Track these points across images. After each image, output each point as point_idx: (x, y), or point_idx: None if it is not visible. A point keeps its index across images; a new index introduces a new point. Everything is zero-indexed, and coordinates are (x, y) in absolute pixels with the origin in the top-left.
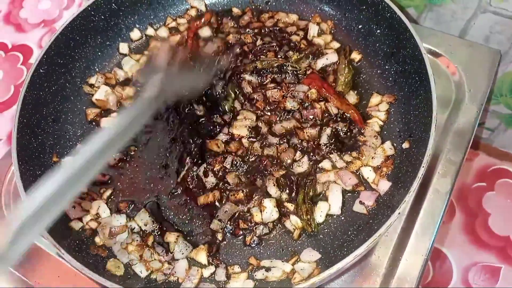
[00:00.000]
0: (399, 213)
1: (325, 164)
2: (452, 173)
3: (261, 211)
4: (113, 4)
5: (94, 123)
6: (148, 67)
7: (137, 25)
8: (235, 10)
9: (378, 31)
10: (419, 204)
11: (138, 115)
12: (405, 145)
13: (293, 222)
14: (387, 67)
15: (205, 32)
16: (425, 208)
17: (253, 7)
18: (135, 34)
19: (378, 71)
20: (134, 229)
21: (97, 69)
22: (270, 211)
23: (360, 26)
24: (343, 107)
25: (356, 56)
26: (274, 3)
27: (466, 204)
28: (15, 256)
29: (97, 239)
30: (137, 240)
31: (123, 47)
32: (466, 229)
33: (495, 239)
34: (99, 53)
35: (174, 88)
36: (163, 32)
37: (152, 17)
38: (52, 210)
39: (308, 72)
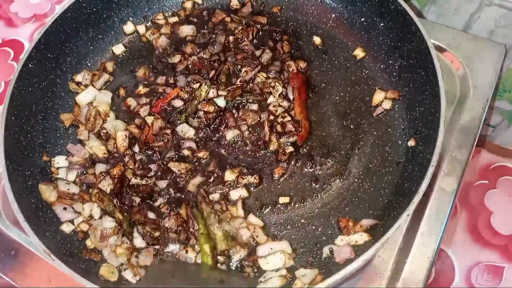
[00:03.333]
0: (408, 215)
1: None
2: (458, 172)
3: None
4: None
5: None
6: None
7: (131, 18)
8: (234, 2)
9: (382, 24)
10: (424, 204)
11: None
12: (411, 143)
13: None
14: (391, 61)
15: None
16: (430, 208)
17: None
18: (129, 27)
19: (382, 66)
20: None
21: (89, 64)
22: None
23: (362, 19)
24: (298, 115)
25: (359, 53)
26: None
27: (468, 202)
28: None
29: (88, 242)
30: (126, 243)
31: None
32: (468, 228)
33: (498, 238)
34: (91, 47)
35: None
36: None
37: (146, 9)
38: None
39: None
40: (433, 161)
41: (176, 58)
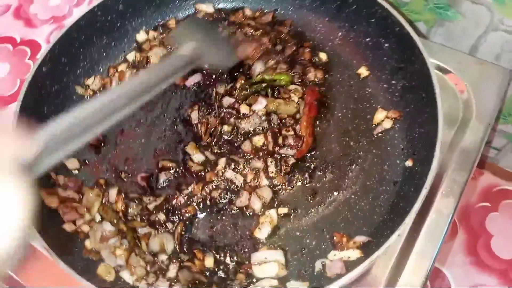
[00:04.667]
0: (399, 235)
1: None
2: (456, 194)
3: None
4: (120, 5)
5: None
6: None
7: (144, 27)
8: (248, 12)
9: (386, 45)
10: (420, 225)
11: (169, 71)
12: (409, 163)
13: None
14: (393, 82)
15: None
16: (426, 229)
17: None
18: (141, 36)
19: (385, 86)
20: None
21: (101, 70)
22: None
23: (368, 39)
24: (303, 131)
25: (363, 71)
26: (282, 11)
27: (468, 223)
28: (41, 168)
29: (87, 243)
30: (125, 245)
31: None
32: (467, 250)
33: (497, 262)
34: (104, 54)
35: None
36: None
37: (159, 19)
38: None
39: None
40: (426, 183)
41: None
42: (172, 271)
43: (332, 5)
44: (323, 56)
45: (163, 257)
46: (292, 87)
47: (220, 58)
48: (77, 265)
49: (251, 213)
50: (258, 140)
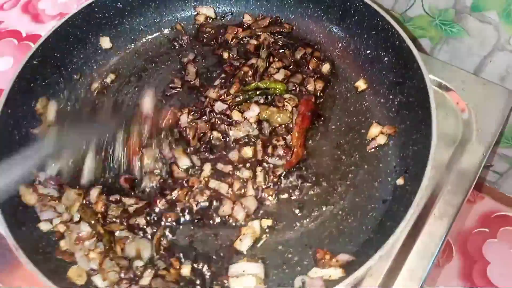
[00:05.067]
0: (380, 256)
1: None
2: (450, 216)
3: None
4: (119, 3)
5: None
6: None
7: (142, 27)
8: (247, 18)
9: (386, 58)
10: (409, 246)
11: None
12: (400, 181)
13: None
14: (391, 97)
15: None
16: (415, 250)
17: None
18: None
19: (382, 100)
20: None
21: (94, 67)
22: None
23: (368, 52)
24: (294, 142)
25: (361, 84)
26: (283, 19)
27: (465, 248)
28: None
29: (61, 243)
30: (100, 248)
31: None
32: (463, 275)
33: None
34: (99, 51)
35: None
36: None
37: (158, 20)
38: None
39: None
40: (413, 205)
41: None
42: (146, 279)
43: (335, 15)
44: (326, 67)
45: (138, 263)
46: (287, 96)
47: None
48: (48, 265)
49: (233, 223)
50: (247, 152)
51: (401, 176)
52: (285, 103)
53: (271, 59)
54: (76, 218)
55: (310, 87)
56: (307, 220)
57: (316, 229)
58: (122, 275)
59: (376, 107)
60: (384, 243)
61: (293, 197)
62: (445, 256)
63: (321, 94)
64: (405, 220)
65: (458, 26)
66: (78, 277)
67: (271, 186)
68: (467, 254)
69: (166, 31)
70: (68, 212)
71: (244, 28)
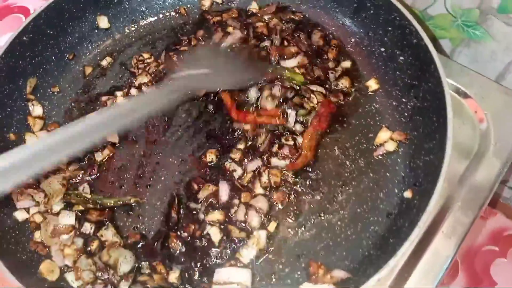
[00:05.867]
0: (379, 279)
1: None
2: (459, 235)
3: None
4: None
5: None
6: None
7: (143, 8)
8: (254, 5)
9: (401, 57)
10: (413, 264)
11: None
12: (407, 194)
13: None
14: (404, 100)
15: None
16: (420, 269)
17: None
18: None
19: (394, 103)
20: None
21: (89, 47)
22: None
23: (382, 49)
24: (306, 143)
25: (372, 84)
26: (294, 9)
27: (472, 266)
28: None
29: (36, 234)
30: (78, 245)
31: None
32: None
33: None
34: (95, 30)
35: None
36: None
37: (161, 1)
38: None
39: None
40: (420, 223)
41: None
42: (125, 283)
43: (349, 7)
44: (346, 63)
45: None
46: (316, 88)
47: (234, 81)
48: (18, 257)
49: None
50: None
51: (409, 189)
52: (311, 95)
53: (285, 43)
54: (56, 209)
55: (345, 82)
56: (302, 228)
57: (311, 239)
58: (98, 274)
59: (387, 110)
60: (385, 264)
61: (289, 202)
62: (450, 273)
63: (350, 91)
64: (410, 240)
65: (481, 28)
66: (50, 272)
67: (267, 189)
68: (473, 272)
69: (168, 14)
70: (47, 203)
71: (249, 15)
